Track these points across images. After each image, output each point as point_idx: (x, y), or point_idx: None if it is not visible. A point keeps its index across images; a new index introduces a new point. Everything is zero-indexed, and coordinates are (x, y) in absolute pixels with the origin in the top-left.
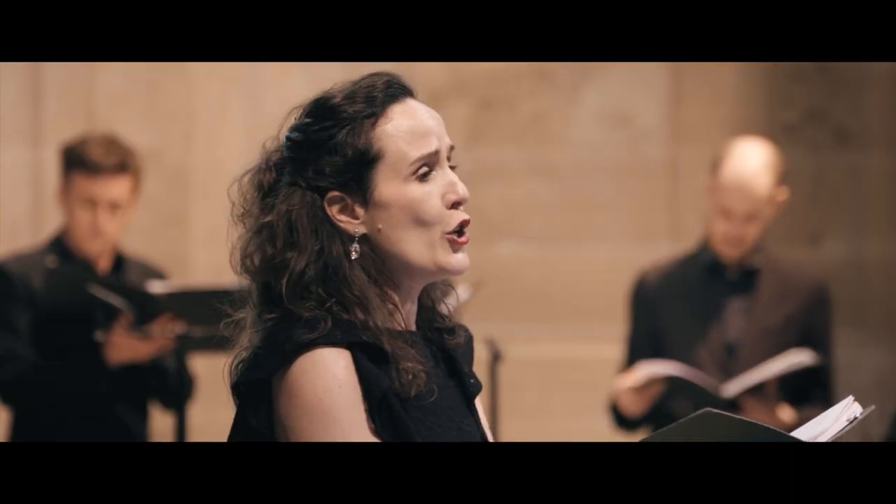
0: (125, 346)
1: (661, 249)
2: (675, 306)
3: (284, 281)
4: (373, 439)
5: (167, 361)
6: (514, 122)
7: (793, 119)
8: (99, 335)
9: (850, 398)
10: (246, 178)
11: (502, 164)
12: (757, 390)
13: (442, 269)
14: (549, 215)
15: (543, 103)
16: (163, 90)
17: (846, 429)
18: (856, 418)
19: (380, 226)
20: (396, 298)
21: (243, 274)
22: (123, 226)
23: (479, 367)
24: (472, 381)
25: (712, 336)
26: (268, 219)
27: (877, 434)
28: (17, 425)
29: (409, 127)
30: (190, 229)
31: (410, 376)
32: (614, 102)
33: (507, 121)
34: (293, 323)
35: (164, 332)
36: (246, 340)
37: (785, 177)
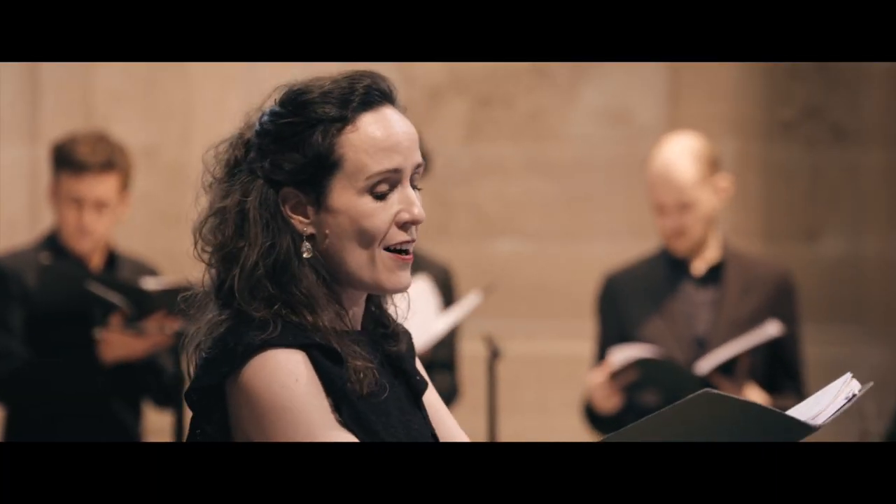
0: (120, 344)
1: (653, 248)
2: (643, 306)
3: (237, 274)
4: (342, 431)
5: (162, 358)
6: (512, 119)
7: (791, 116)
8: (97, 332)
9: (849, 375)
10: (221, 147)
11: (500, 161)
12: (728, 370)
13: (379, 287)
14: (547, 212)
15: (541, 100)
16: (161, 88)
17: (845, 407)
18: (854, 395)
19: (327, 231)
20: (343, 299)
21: (197, 257)
22: (112, 224)
23: (479, 365)
24: (417, 378)
25: (681, 332)
26: (223, 204)
27: (877, 431)
28: (11, 422)
29: (375, 140)
30: (187, 227)
31: (361, 375)
32: (612, 99)
33: (505, 118)
34: (243, 327)
35: (159, 329)
36: (199, 329)
37: (721, 164)
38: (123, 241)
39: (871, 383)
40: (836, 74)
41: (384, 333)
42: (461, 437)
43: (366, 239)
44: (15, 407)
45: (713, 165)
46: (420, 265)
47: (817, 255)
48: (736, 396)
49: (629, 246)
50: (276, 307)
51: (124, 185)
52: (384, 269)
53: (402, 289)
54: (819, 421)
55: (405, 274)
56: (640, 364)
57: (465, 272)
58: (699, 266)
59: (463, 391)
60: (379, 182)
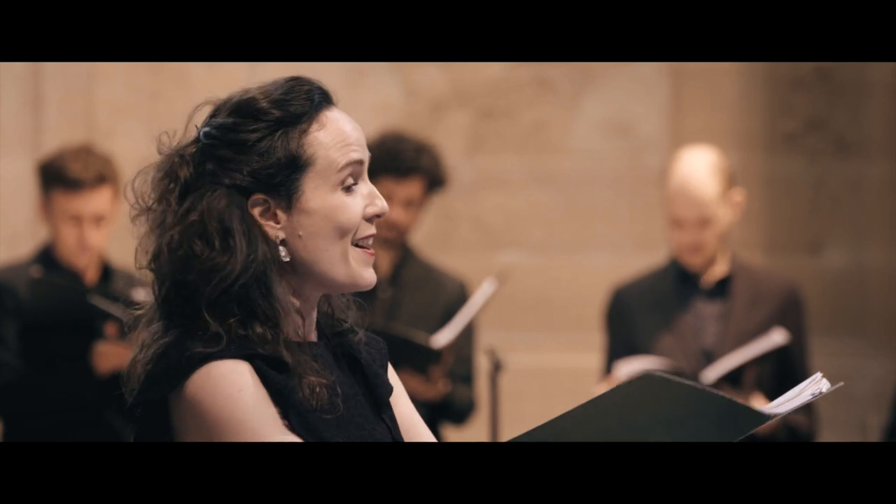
0: (114, 355)
1: (662, 258)
2: (651, 318)
3: (214, 284)
4: (289, 435)
5: None
6: (515, 131)
7: (793, 128)
8: (99, 344)
9: (818, 374)
10: (143, 176)
11: (503, 173)
12: (735, 381)
13: (354, 283)
14: (549, 224)
15: (544, 112)
16: (163, 99)
17: (808, 401)
18: (820, 392)
19: (300, 233)
20: (297, 305)
21: (150, 271)
22: (109, 235)
23: (482, 377)
24: (381, 387)
25: (689, 345)
26: (194, 217)
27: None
28: (7, 433)
29: (337, 135)
30: None
31: (315, 390)
32: (614, 111)
33: (507, 130)
34: (187, 340)
35: None
36: (139, 352)
37: (736, 179)
38: (125, 253)
39: (841, 383)
40: (839, 86)
41: (341, 331)
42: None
43: (340, 234)
44: (10, 418)
45: (730, 180)
46: (435, 279)
47: (820, 267)
48: (680, 380)
49: (633, 258)
50: (229, 321)
51: (117, 196)
52: (356, 265)
53: (370, 285)
54: (776, 411)
55: (372, 270)
56: None
57: (469, 284)
58: (708, 279)
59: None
60: (348, 175)
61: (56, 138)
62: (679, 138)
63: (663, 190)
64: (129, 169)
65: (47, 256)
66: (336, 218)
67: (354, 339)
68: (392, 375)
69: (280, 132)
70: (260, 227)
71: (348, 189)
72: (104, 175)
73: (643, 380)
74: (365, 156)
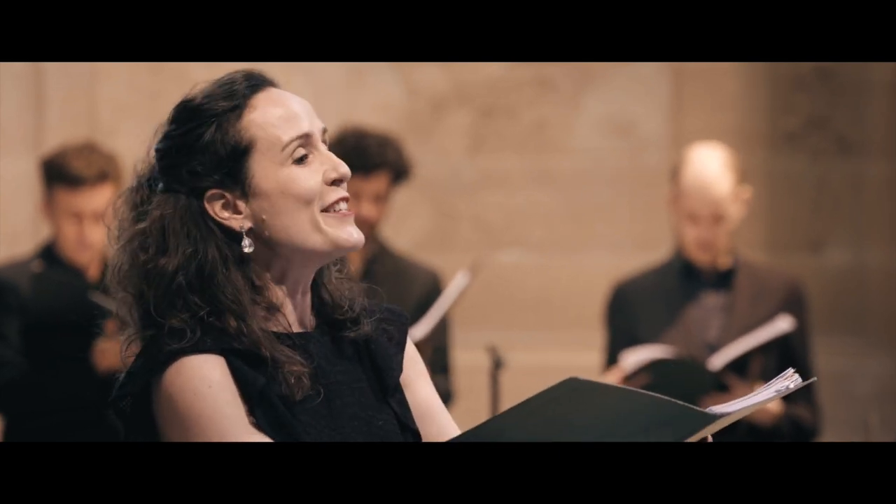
0: (115, 353)
1: (663, 258)
2: (654, 314)
3: (154, 290)
4: (254, 434)
5: None
6: (516, 130)
7: (794, 127)
8: (99, 342)
9: (790, 370)
10: (120, 201)
11: (504, 172)
12: (741, 371)
13: (336, 246)
14: (550, 223)
15: (545, 112)
16: (165, 99)
17: (770, 399)
18: (787, 388)
19: (263, 216)
20: (280, 294)
21: (117, 287)
22: None
23: (482, 375)
24: (391, 372)
25: (693, 339)
26: (140, 226)
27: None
28: (8, 432)
29: (276, 113)
30: None
31: (293, 379)
32: (615, 111)
33: (508, 129)
34: (164, 336)
35: None
36: (123, 349)
37: (745, 175)
38: None
39: (814, 378)
40: (840, 85)
41: (341, 320)
42: (455, 433)
43: (302, 204)
44: (12, 416)
45: (741, 177)
46: (408, 272)
47: (821, 265)
48: (607, 383)
49: (633, 257)
50: (200, 314)
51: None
52: (331, 228)
53: (357, 243)
54: (727, 409)
55: (354, 228)
56: (653, 366)
57: (464, 261)
58: (710, 271)
59: (461, 398)
60: (296, 148)
61: (58, 138)
62: (680, 138)
63: (675, 186)
64: (130, 168)
65: (49, 253)
66: (292, 191)
67: (353, 329)
68: (412, 356)
69: (215, 125)
70: (218, 223)
71: (301, 160)
72: (106, 172)
73: (566, 385)
74: (314, 127)
